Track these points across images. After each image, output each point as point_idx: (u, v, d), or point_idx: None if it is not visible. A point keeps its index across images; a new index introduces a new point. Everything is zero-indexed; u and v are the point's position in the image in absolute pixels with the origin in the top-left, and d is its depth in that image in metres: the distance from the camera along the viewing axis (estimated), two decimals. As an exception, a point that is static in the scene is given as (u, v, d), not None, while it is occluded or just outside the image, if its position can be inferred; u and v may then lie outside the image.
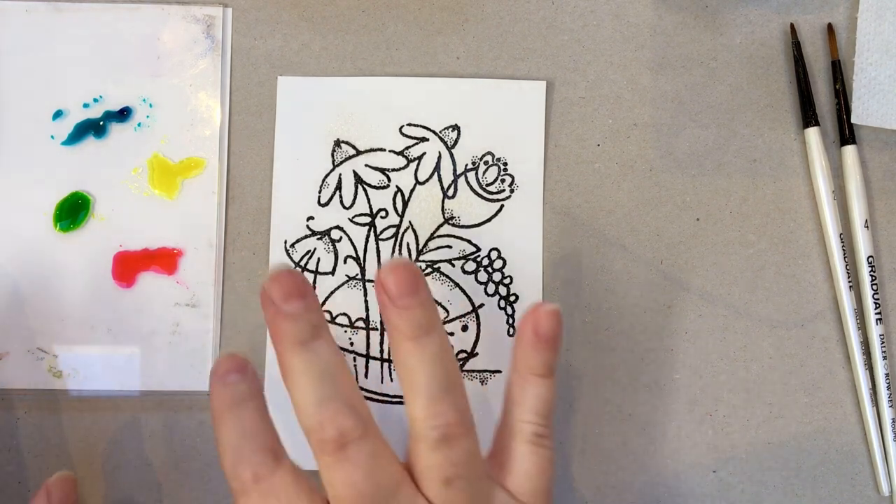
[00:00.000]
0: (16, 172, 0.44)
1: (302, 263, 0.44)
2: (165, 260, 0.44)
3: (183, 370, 0.43)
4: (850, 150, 0.44)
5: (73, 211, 0.44)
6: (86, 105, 0.44)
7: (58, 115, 0.44)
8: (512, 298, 0.44)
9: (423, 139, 0.45)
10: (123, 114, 0.44)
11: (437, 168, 0.45)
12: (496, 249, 0.44)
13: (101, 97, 0.45)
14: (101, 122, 0.44)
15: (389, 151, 0.45)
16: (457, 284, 0.44)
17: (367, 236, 0.44)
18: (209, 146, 0.44)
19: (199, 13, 0.45)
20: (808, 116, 0.44)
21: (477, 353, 0.44)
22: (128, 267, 0.44)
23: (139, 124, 0.44)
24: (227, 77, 0.45)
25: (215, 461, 0.43)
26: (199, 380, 0.43)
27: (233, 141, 0.45)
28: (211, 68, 0.45)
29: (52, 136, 0.44)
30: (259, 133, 0.45)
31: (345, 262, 0.44)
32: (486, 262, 0.44)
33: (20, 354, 0.43)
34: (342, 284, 0.44)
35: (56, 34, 0.45)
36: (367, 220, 0.44)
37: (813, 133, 0.44)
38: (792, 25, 0.45)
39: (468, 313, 0.44)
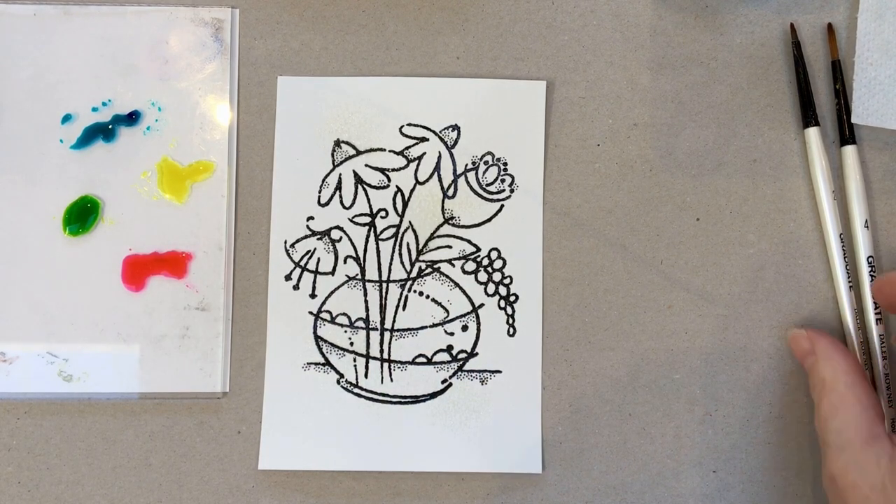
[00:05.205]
0: (25, 176, 0.44)
1: (302, 263, 0.44)
2: (175, 264, 0.44)
3: (192, 373, 0.43)
4: (850, 150, 0.44)
5: (82, 215, 0.44)
6: (95, 109, 0.44)
7: (67, 118, 0.44)
8: (512, 298, 0.44)
9: (423, 139, 0.45)
10: (132, 117, 0.44)
11: (437, 168, 0.45)
12: (496, 249, 0.44)
13: (110, 101, 0.44)
14: (110, 126, 0.44)
15: (389, 151, 0.45)
16: (457, 284, 0.44)
17: (367, 236, 0.44)
18: (218, 149, 0.44)
19: (207, 16, 0.45)
20: (808, 116, 0.44)
21: (477, 353, 0.44)
22: (137, 271, 0.44)
23: (148, 128, 0.44)
24: (236, 80, 0.45)
25: (215, 461, 0.43)
26: (207, 382, 0.43)
27: (238, 143, 0.45)
28: (219, 71, 0.45)
29: (61, 140, 0.44)
30: (259, 133, 0.45)
31: (345, 262, 0.44)
32: (486, 262, 0.44)
33: (31, 358, 0.43)
34: (342, 284, 0.44)
35: (64, 38, 0.45)
36: (367, 220, 0.44)
37: (813, 133, 0.44)
38: (792, 25, 0.45)
39: (468, 313, 0.44)
